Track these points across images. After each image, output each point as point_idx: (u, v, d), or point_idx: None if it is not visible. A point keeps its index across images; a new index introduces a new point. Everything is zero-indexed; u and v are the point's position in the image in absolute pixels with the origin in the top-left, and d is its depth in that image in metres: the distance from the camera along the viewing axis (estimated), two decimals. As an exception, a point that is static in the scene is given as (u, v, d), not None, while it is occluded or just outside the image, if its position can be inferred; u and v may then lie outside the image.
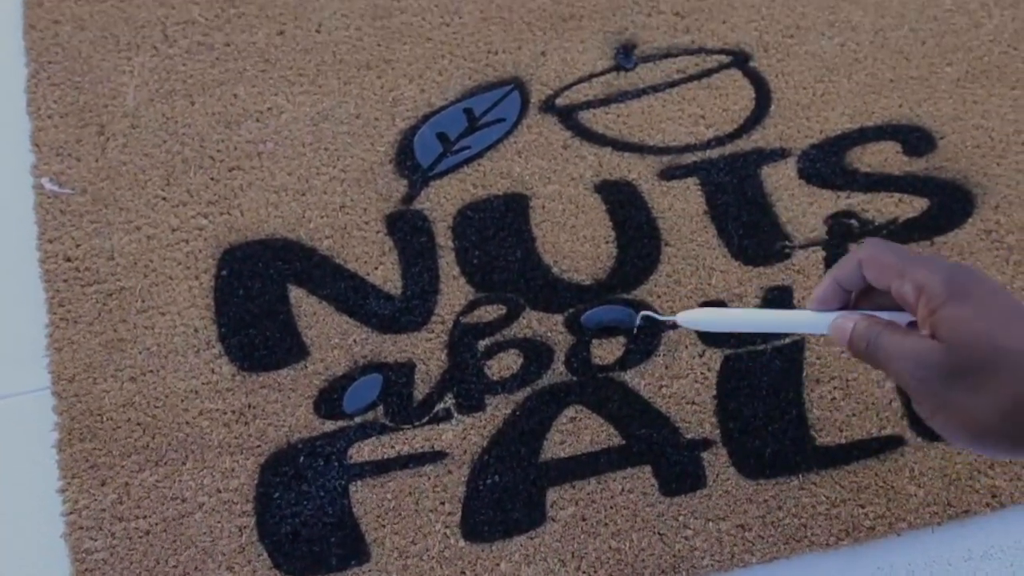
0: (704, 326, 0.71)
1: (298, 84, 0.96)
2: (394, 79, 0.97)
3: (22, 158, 0.94)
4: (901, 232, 0.93)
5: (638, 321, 0.87)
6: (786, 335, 0.90)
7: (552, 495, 0.86)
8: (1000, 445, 0.53)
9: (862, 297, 0.63)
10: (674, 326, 0.78)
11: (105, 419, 0.86)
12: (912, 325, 0.58)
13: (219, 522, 0.84)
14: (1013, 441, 0.53)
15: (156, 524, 0.84)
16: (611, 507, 0.86)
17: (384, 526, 0.85)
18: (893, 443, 0.88)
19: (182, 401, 0.87)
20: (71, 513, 0.84)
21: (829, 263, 0.92)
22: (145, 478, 0.85)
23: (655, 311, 0.86)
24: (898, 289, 0.57)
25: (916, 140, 0.97)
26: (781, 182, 0.95)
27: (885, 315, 0.61)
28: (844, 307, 0.63)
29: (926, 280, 0.55)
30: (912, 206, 0.95)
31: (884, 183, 0.95)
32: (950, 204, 0.95)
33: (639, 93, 0.98)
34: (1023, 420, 0.51)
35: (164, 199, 0.92)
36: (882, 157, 0.96)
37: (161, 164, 0.93)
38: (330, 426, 0.87)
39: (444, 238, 0.92)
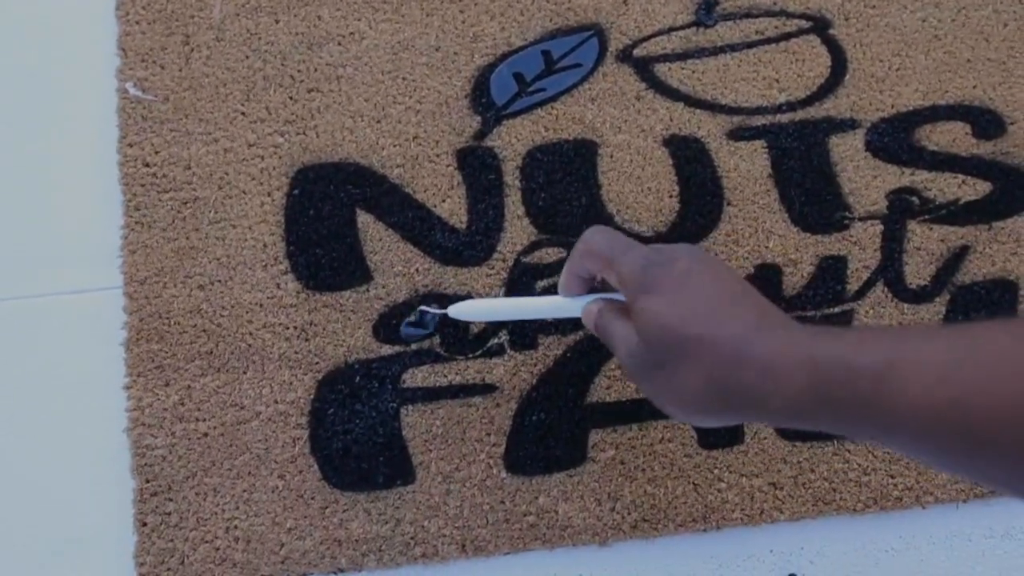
0: (472, 317, 0.77)
1: (381, 11, 0.97)
2: (476, 15, 0.97)
3: (108, 61, 0.95)
4: (961, 213, 0.94)
5: (417, 316, 0.90)
6: (837, 304, 0.92)
7: (594, 437, 0.89)
8: (705, 417, 0.57)
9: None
10: (445, 318, 0.82)
11: (172, 323, 0.90)
12: None
13: (274, 432, 0.88)
14: (715, 414, 0.56)
15: (214, 427, 0.88)
16: (650, 454, 0.89)
17: (431, 451, 0.88)
18: (930, 419, 0.90)
19: (247, 312, 0.90)
20: (135, 410, 0.88)
21: (887, 238, 0.93)
22: (207, 383, 0.89)
23: (431, 307, 0.89)
24: (609, 279, 0.61)
25: (986, 123, 0.97)
26: (847, 153, 0.96)
27: (618, 297, 0.65)
28: (593, 291, 0.68)
29: (623, 271, 0.59)
30: (975, 189, 0.95)
31: (950, 163, 0.96)
32: (1012, 190, 0.96)
33: (716, 51, 0.98)
34: (716, 396, 0.54)
35: (243, 114, 0.94)
36: (951, 137, 0.97)
37: (242, 79, 0.95)
38: (387, 350, 0.90)
39: (512, 177, 0.94)
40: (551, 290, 0.91)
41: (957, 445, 0.45)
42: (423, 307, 0.89)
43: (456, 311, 0.76)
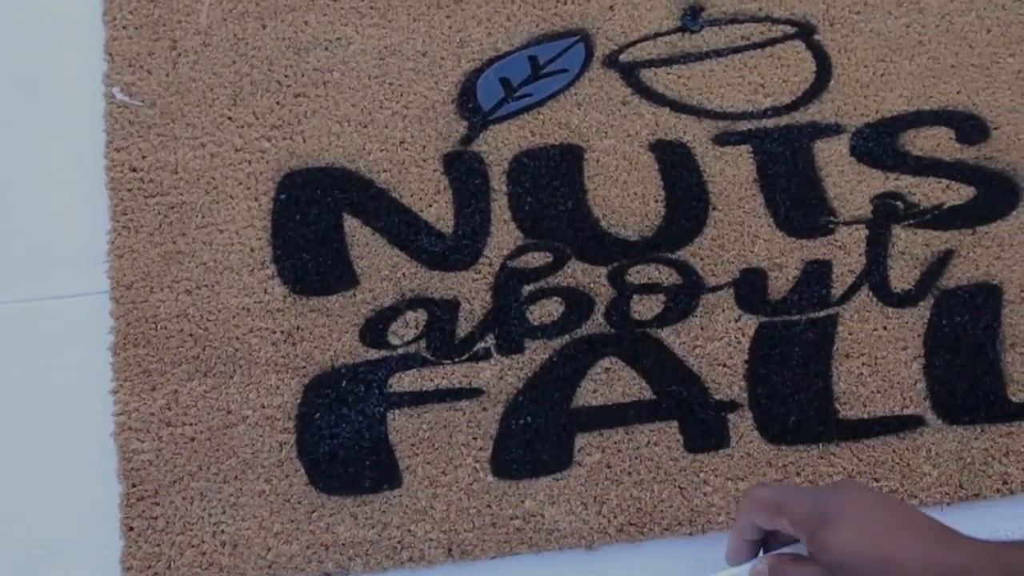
0: None
1: (368, 16, 0.97)
2: (462, 20, 0.97)
3: (95, 66, 0.95)
4: (945, 218, 0.95)
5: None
6: (822, 308, 0.92)
7: (580, 440, 0.89)
8: None
9: (773, 536, 0.66)
10: None
11: (159, 327, 0.90)
12: None
13: (261, 436, 0.88)
14: None
15: (201, 432, 0.88)
16: (636, 458, 0.89)
17: (417, 455, 0.88)
18: (914, 423, 0.91)
19: (234, 317, 0.90)
20: (121, 414, 0.88)
21: (871, 242, 0.94)
22: (194, 387, 0.89)
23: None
24: (781, 527, 0.62)
25: (970, 128, 0.98)
26: (832, 158, 0.96)
27: (787, 549, 0.65)
28: (757, 553, 0.67)
29: (795, 513, 0.60)
30: (959, 193, 0.96)
31: (934, 168, 0.96)
32: (996, 195, 0.96)
33: (702, 56, 0.98)
34: None
35: (230, 119, 0.94)
36: (935, 142, 0.97)
37: (229, 84, 0.95)
38: (373, 354, 0.90)
39: (498, 182, 0.94)
40: (537, 295, 0.91)
41: None
42: None
43: None
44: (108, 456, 0.88)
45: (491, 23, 0.98)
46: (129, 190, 0.92)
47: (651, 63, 0.98)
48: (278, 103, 0.95)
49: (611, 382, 0.90)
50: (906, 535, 0.57)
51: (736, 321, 0.92)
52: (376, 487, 0.88)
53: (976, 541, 0.57)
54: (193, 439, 0.88)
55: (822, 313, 0.93)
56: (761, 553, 0.67)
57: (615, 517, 0.88)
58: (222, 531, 0.86)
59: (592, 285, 0.92)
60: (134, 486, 0.87)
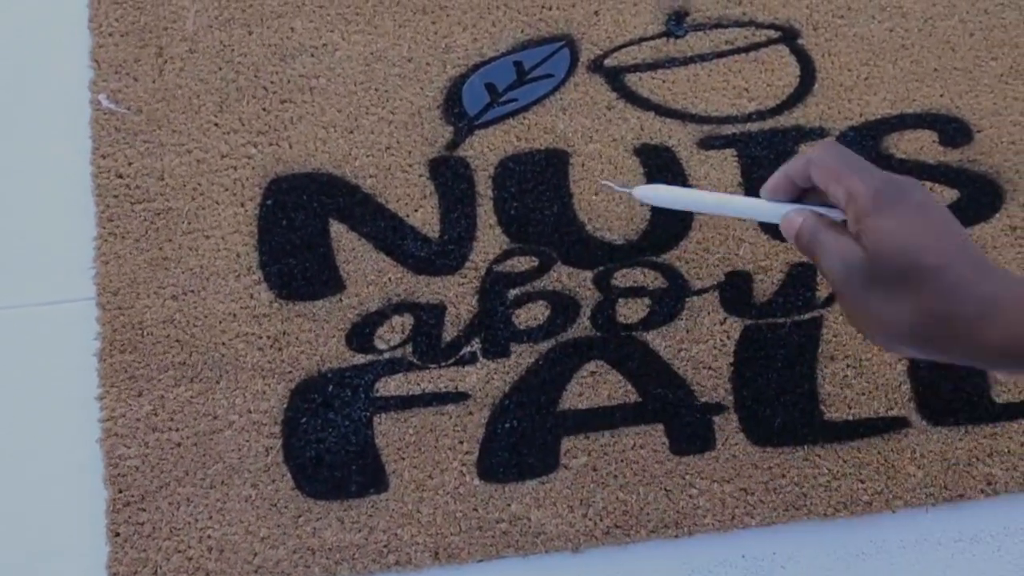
0: (657, 201, 0.71)
1: (354, 23, 0.97)
2: (448, 26, 0.98)
3: (81, 73, 0.95)
4: (929, 221, 0.95)
5: (610, 185, 0.85)
6: (807, 310, 0.92)
7: (566, 444, 0.89)
8: (909, 349, 0.58)
9: (811, 192, 0.65)
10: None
11: (145, 333, 0.90)
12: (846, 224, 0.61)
13: (247, 441, 0.88)
14: (921, 347, 0.57)
15: (187, 437, 0.88)
16: (622, 460, 0.89)
17: (403, 459, 0.88)
18: (898, 424, 0.91)
19: (220, 322, 0.90)
20: (108, 420, 0.88)
21: (855, 245, 0.94)
22: (180, 393, 0.89)
23: (612, 183, 0.85)
24: (834, 193, 0.60)
25: (953, 131, 0.98)
26: (817, 161, 0.96)
27: (829, 212, 0.63)
28: (794, 199, 0.65)
29: (857, 189, 0.58)
30: (943, 196, 0.96)
31: (917, 171, 0.97)
32: (979, 197, 0.97)
33: (686, 61, 0.99)
34: (932, 330, 0.55)
35: (216, 125, 0.94)
36: (918, 145, 0.98)
37: (216, 91, 0.95)
38: (360, 359, 0.90)
39: (484, 187, 0.94)
40: (522, 299, 0.92)
41: None
42: (606, 182, 0.90)
43: (641, 193, 0.72)
44: (94, 462, 0.88)
45: (476, 29, 0.98)
46: (115, 196, 0.92)
47: (636, 68, 0.98)
48: (264, 109, 0.95)
49: (597, 385, 0.91)
50: (956, 252, 0.56)
51: (721, 324, 0.92)
52: (362, 491, 0.88)
53: (1010, 275, 0.56)
54: (179, 444, 0.88)
55: (807, 316, 0.93)
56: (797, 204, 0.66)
57: (601, 520, 0.88)
58: (208, 536, 0.86)
59: (578, 289, 0.92)
60: (120, 492, 0.87)
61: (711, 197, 0.71)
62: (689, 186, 0.95)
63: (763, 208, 0.67)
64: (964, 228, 0.60)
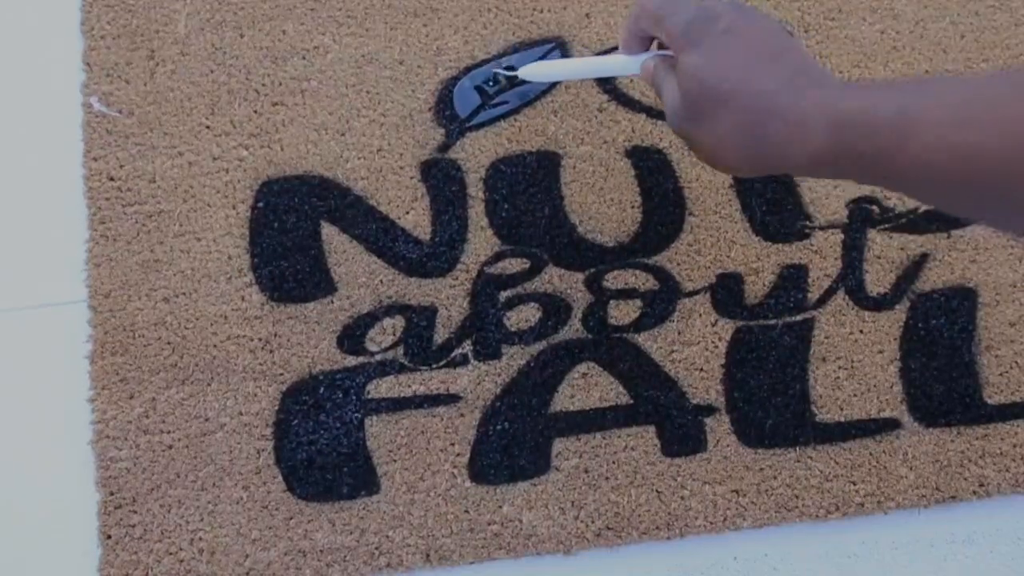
0: (542, 77, 0.79)
1: (345, 25, 0.97)
2: (439, 28, 0.98)
3: (73, 76, 0.95)
4: (920, 222, 0.95)
5: (501, 73, 0.92)
6: (798, 312, 0.93)
7: (558, 446, 0.90)
8: (740, 168, 0.60)
9: None
10: (515, 79, 0.83)
11: (137, 336, 0.90)
12: None
13: (239, 443, 0.88)
14: (749, 164, 0.59)
15: (179, 439, 0.88)
16: (613, 462, 0.89)
17: (395, 461, 0.89)
18: (890, 425, 0.91)
19: (211, 325, 0.90)
20: (99, 422, 0.88)
21: (847, 247, 0.94)
22: (171, 395, 0.89)
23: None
24: (659, 36, 0.63)
25: (944, 133, 0.98)
26: (808, 163, 0.96)
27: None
28: (650, 48, 0.69)
29: (671, 29, 0.61)
30: (933, 197, 0.96)
31: (908, 172, 0.96)
32: (971, 199, 0.96)
33: (678, 63, 0.99)
34: (749, 147, 0.58)
35: (208, 128, 0.94)
36: (909, 147, 0.97)
37: (207, 93, 0.95)
38: (351, 361, 0.90)
39: (475, 189, 0.94)
40: (514, 301, 0.92)
41: (963, 191, 0.49)
42: (496, 70, 0.93)
43: (526, 72, 0.77)
44: (86, 464, 0.88)
45: (468, 31, 0.98)
46: (107, 199, 0.92)
47: (627, 70, 0.98)
48: (256, 112, 0.95)
49: (588, 387, 0.91)
50: (759, 72, 0.57)
51: (713, 326, 0.93)
52: (354, 493, 0.88)
53: (826, 84, 0.57)
54: (171, 447, 0.88)
55: (798, 317, 0.93)
56: (655, 49, 0.69)
57: (593, 522, 0.88)
58: (200, 538, 0.87)
59: (569, 291, 0.93)
60: (112, 494, 0.87)
61: (580, 62, 0.79)
62: (680, 187, 0.95)
63: (624, 63, 0.70)
64: (789, 41, 0.61)
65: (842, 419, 0.91)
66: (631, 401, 0.91)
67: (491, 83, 0.89)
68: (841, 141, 0.54)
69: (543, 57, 0.98)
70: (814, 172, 0.57)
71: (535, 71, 0.77)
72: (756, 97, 0.57)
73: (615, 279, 0.93)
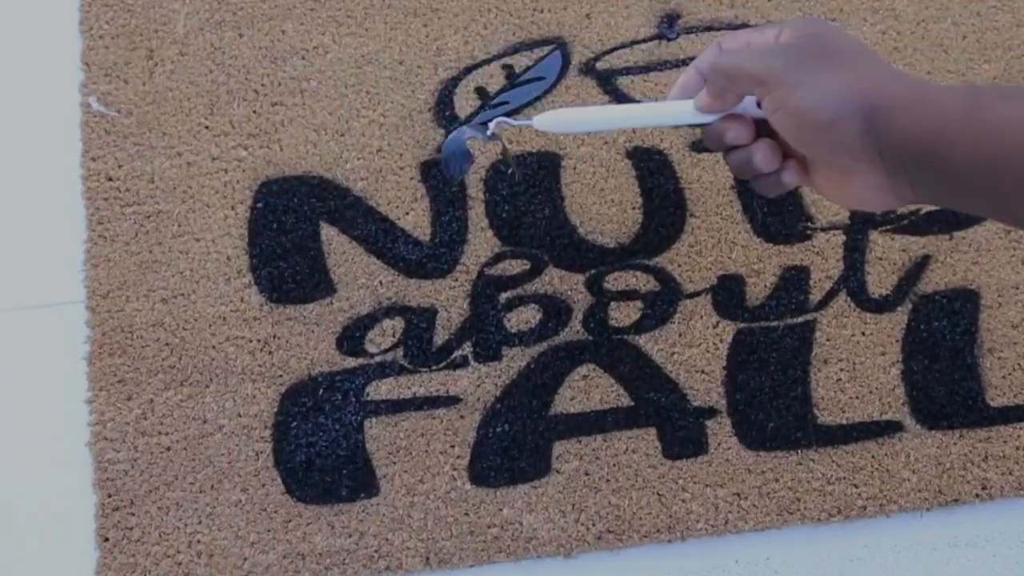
0: (562, 128, 0.67)
1: (345, 25, 0.97)
2: (439, 29, 0.97)
3: (71, 75, 0.95)
4: (922, 223, 0.95)
5: (491, 130, 0.72)
6: (800, 314, 0.92)
7: (558, 448, 0.89)
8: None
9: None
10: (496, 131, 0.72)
11: (135, 337, 0.89)
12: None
13: (237, 445, 0.88)
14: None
15: (177, 441, 0.88)
16: (614, 465, 0.89)
17: (395, 463, 0.88)
18: (892, 428, 0.91)
19: (210, 326, 0.90)
20: (97, 424, 0.88)
21: (849, 248, 0.94)
22: (170, 397, 0.88)
23: (509, 119, 0.73)
24: (749, 89, 0.61)
25: (947, 134, 0.97)
26: (810, 164, 0.96)
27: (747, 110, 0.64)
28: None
29: (766, 80, 0.58)
30: (936, 199, 0.96)
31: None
32: (973, 200, 0.96)
33: (678, 64, 0.98)
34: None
35: (207, 128, 0.94)
36: (911, 148, 0.97)
37: (206, 93, 0.95)
38: (351, 363, 0.90)
39: (475, 190, 0.94)
40: (514, 302, 0.92)
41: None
42: (501, 119, 0.72)
43: (542, 121, 0.67)
44: (84, 466, 0.87)
45: (468, 32, 0.98)
46: (105, 199, 0.92)
47: (628, 71, 0.98)
48: (255, 112, 0.95)
49: (589, 389, 0.90)
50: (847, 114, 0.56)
51: (714, 327, 0.92)
52: (353, 496, 0.87)
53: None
54: (169, 449, 0.88)
55: (800, 319, 0.93)
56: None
57: (594, 525, 0.88)
58: (198, 541, 0.86)
59: (570, 292, 0.92)
60: (109, 496, 0.87)
61: (619, 110, 0.68)
62: (680, 188, 0.94)
63: (681, 110, 0.65)
64: (874, 57, 0.59)
65: (844, 421, 0.91)
66: (632, 403, 0.90)
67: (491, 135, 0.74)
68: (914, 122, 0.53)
69: (543, 58, 0.97)
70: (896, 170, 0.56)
71: (554, 120, 0.67)
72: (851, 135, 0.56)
73: (616, 280, 0.93)
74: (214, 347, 0.89)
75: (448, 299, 0.91)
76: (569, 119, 0.67)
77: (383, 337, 0.91)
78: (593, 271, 0.93)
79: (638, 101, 0.96)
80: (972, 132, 0.51)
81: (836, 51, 0.58)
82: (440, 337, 0.91)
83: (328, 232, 0.92)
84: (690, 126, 0.62)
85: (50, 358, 0.90)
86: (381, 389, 0.89)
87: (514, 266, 0.92)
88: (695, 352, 0.91)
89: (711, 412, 0.90)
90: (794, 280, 0.93)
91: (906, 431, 0.91)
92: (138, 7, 0.96)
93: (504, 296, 0.92)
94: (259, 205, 0.92)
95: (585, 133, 0.65)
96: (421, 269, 0.92)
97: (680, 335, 0.92)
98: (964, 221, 0.96)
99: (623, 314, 0.92)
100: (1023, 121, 0.49)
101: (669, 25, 0.99)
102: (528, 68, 0.97)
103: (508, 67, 0.97)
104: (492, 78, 0.97)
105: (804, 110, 0.56)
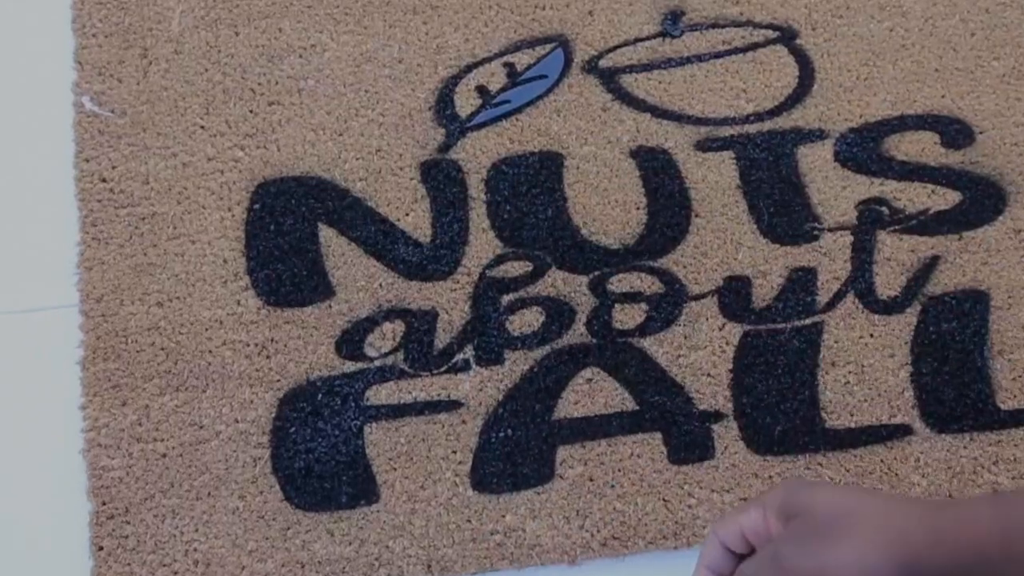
0: None
1: (343, 23, 0.96)
2: (439, 26, 0.96)
3: (64, 74, 0.94)
4: (931, 223, 0.93)
5: None
6: (807, 315, 0.91)
7: (562, 453, 0.88)
8: None
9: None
10: None
11: (130, 341, 0.88)
12: None
13: (234, 451, 0.86)
14: None
15: (173, 448, 0.86)
16: (619, 470, 0.87)
17: (395, 469, 0.87)
18: (902, 431, 0.89)
19: (206, 330, 0.88)
20: (91, 430, 0.86)
21: (856, 249, 0.93)
22: (165, 402, 0.87)
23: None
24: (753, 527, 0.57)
25: (955, 132, 0.97)
26: (816, 163, 0.95)
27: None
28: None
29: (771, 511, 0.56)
30: (944, 198, 0.95)
31: (919, 173, 0.95)
32: (982, 200, 0.95)
33: (683, 61, 0.97)
34: None
35: (202, 128, 0.93)
36: (919, 147, 0.96)
37: (202, 92, 0.93)
38: (350, 367, 0.88)
39: (477, 190, 0.93)
40: (516, 305, 0.90)
41: None
42: None
43: None
44: (77, 473, 0.86)
45: (468, 29, 0.96)
46: (99, 201, 0.91)
47: (631, 68, 0.97)
48: (251, 111, 0.93)
49: (593, 393, 0.89)
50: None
51: (720, 330, 0.91)
52: (353, 503, 0.86)
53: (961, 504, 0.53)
54: (165, 455, 0.86)
55: (807, 321, 0.91)
56: None
57: (598, 531, 0.86)
58: (195, 549, 0.84)
59: (573, 294, 0.91)
60: (104, 504, 0.85)
61: None
62: (685, 188, 0.93)
63: None
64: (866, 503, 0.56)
65: (852, 425, 0.89)
66: (637, 407, 0.89)
67: None
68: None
69: (545, 56, 0.96)
70: None
71: None
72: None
73: (620, 282, 0.91)
74: (210, 351, 0.88)
75: (449, 301, 0.90)
76: None
77: (383, 340, 0.89)
78: (597, 273, 0.91)
79: (644, 100, 0.95)
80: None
81: (832, 522, 0.54)
82: (441, 340, 0.89)
83: (326, 234, 0.91)
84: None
85: (43, 363, 0.89)
86: (381, 393, 0.88)
87: (516, 268, 0.91)
88: (701, 355, 0.90)
89: (717, 416, 0.89)
90: (801, 281, 0.92)
91: (915, 434, 0.89)
92: (132, 4, 0.95)
93: (506, 298, 0.91)
94: (256, 206, 0.91)
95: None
96: (421, 271, 0.91)
97: (685, 337, 0.90)
98: (973, 221, 0.94)
99: (627, 316, 0.91)
100: None
101: (673, 22, 0.98)
102: (530, 66, 0.96)
103: (509, 65, 0.96)
104: (493, 76, 0.96)
105: None
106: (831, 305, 0.92)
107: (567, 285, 0.91)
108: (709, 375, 0.90)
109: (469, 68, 0.96)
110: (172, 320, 0.88)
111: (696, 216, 0.93)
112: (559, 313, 0.90)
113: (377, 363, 0.89)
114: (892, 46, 0.99)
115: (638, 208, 0.93)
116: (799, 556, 0.54)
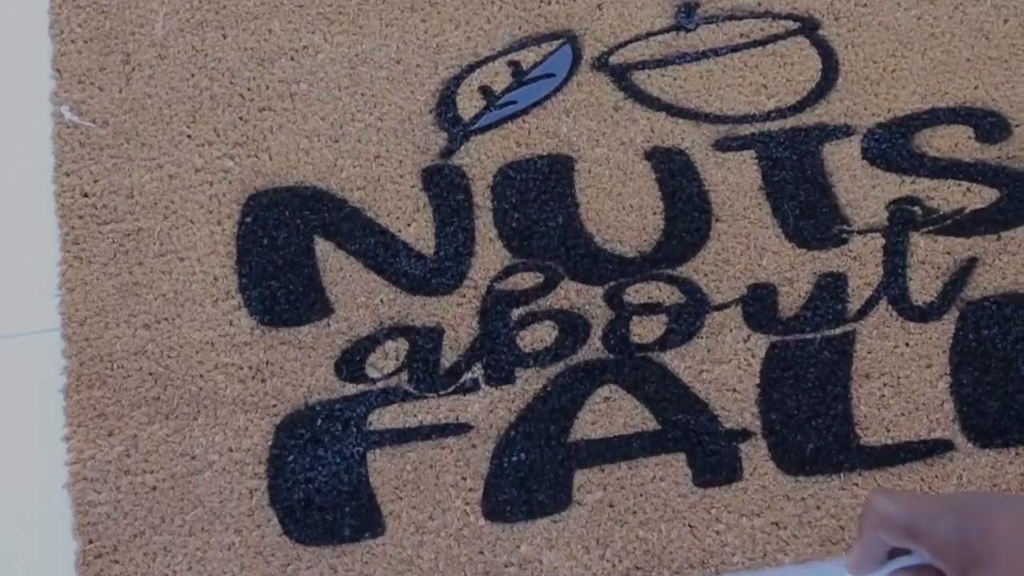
0: None
1: (337, 23, 0.94)
2: (439, 24, 0.94)
3: (42, 83, 0.92)
4: (967, 223, 0.90)
5: None
6: (838, 324, 0.87)
7: (580, 478, 0.85)
8: None
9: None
10: None
11: (116, 366, 0.86)
12: None
13: (229, 483, 0.84)
14: None
15: (163, 480, 0.85)
16: (641, 495, 0.85)
17: (402, 499, 0.84)
18: (942, 447, 0.86)
19: (197, 353, 0.87)
20: (76, 463, 0.85)
21: (888, 252, 0.89)
22: (154, 431, 0.85)
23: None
24: (919, 552, 0.57)
25: (990, 126, 0.93)
26: (843, 161, 0.92)
27: (911, 560, 0.59)
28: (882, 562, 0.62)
29: (940, 545, 0.55)
30: (981, 196, 0.91)
31: (953, 170, 0.92)
32: (1020, 197, 0.92)
33: (698, 56, 0.95)
34: None
35: (189, 137, 0.91)
36: (952, 142, 0.93)
37: (188, 99, 0.92)
38: (351, 389, 0.87)
39: (482, 197, 0.91)
40: (527, 319, 0.87)
41: None
42: None
43: None
44: (63, 510, 0.84)
45: (470, 26, 0.94)
46: (81, 217, 0.89)
47: (644, 64, 0.94)
48: (241, 118, 0.92)
49: (611, 412, 0.86)
50: None
51: (745, 341, 0.88)
52: (357, 535, 0.83)
53: None
54: (155, 488, 0.84)
55: (838, 330, 0.88)
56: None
57: (620, 561, 0.83)
58: (188, 589, 0.82)
59: (587, 307, 0.88)
60: (91, 542, 0.83)
61: None
62: (704, 191, 0.91)
63: None
64: None
65: (889, 441, 0.86)
66: (658, 427, 0.86)
67: None
68: None
69: (552, 54, 0.94)
70: None
71: None
72: None
73: (637, 293, 0.89)
74: (201, 376, 0.86)
75: (455, 317, 0.88)
76: None
77: (385, 360, 0.87)
78: (612, 283, 0.89)
79: (659, 98, 0.92)
80: None
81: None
82: (447, 359, 0.87)
83: (323, 247, 0.89)
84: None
85: (22, 392, 0.87)
86: (385, 417, 0.86)
87: (526, 280, 0.89)
88: (726, 369, 0.87)
89: (744, 434, 0.86)
90: (830, 288, 0.89)
91: (957, 450, 0.86)
92: (113, 8, 0.94)
93: (516, 313, 0.88)
94: (248, 220, 0.90)
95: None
96: (425, 285, 0.88)
97: (708, 351, 0.87)
98: (1012, 220, 0.91)
99: (646, 329, 0.88)
100: None
101: (687, 15, 0.96)
102: (536, 64, 0.94)
103: (514, 64, 0.94)
104: (497, 76, 0.94)
105: None
106: (863, 313, 0.89)
107: (581, 297, 0.88)
108: (735, 390, 0.87)
109: (471, 68, 0.94)
110: (160, 343, 0.86)
111: (717, 220, 0.90)
112: (573, 327, 0.87)
113: (380, 385, 0.86)
114: (920, 35, 0.96)
115: (655, 213, 0.90)
116: None
